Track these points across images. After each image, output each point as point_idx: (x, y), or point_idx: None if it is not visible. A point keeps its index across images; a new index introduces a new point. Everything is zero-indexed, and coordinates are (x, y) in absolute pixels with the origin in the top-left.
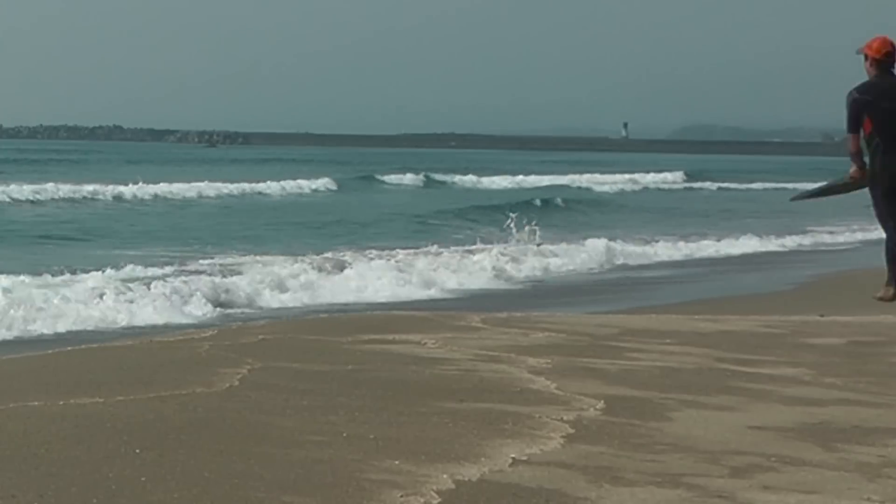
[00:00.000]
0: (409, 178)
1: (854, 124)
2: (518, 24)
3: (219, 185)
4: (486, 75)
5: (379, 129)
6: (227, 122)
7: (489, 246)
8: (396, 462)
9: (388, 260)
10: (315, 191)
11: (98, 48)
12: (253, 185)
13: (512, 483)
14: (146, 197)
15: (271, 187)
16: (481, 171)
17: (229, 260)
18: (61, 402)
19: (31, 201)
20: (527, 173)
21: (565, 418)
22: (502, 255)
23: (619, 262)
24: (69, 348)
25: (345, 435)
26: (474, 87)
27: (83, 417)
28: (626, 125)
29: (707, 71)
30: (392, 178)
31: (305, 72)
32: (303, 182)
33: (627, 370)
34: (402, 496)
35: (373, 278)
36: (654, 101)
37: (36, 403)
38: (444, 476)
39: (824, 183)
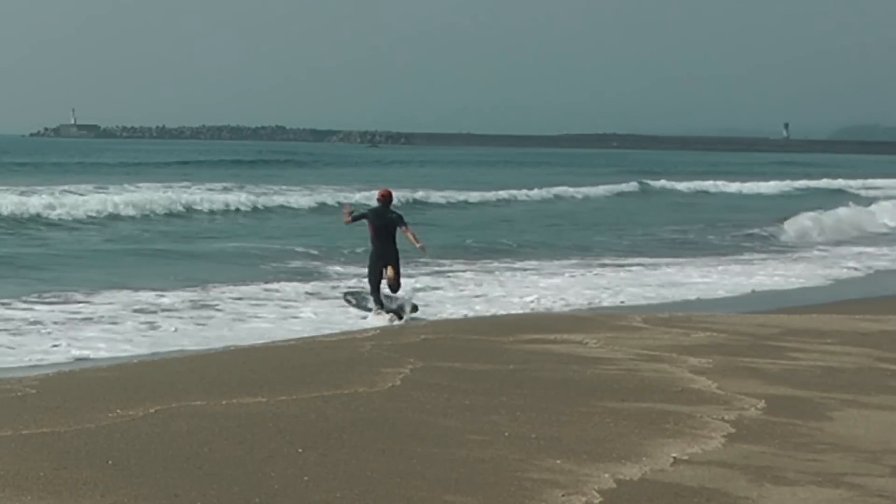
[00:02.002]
0: (689, 185)
1: (360, 219)
2: (679, 27)
3: (542, 191)
4: (647, 76)
5: (539, 130)
6: (388, 123)
7: None
8: (558, 461)
9: None
10: (621, 194)
11: (261, 50)
12: (565, 189)
13: (673, 482)
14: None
15: (583, 192)
16: (696, 175)
17: None
18: (224, 402)
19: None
20: (750, 176)
21: (726, 418)
22: None
23: None
24: (232, 348)
25: (506, 434)
26: (635, 87)
27: (245, 417)
28: (786, 125)
29: (868, 71)
30: (684, 186)
31: (464, 73)
32: (612, 187)
33: (788, 370)
34: (563, 495)
35: None
36: (814, 101)
37: (199, 403)
38: (606, 475)
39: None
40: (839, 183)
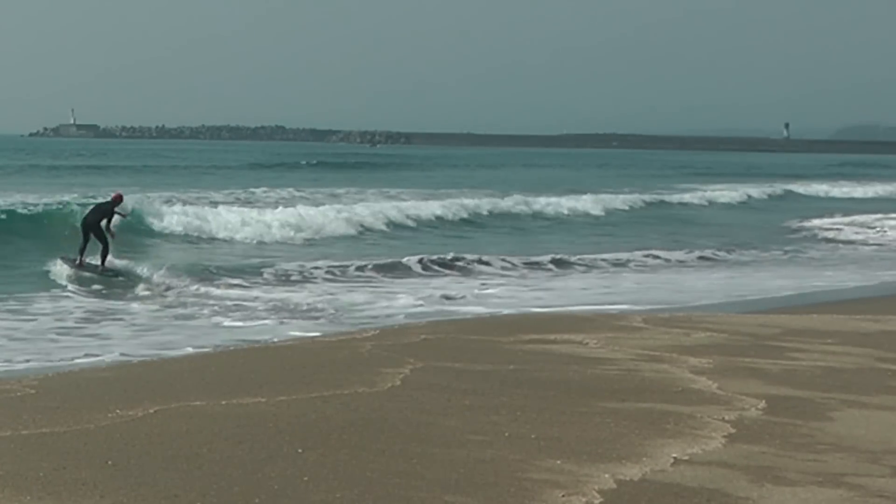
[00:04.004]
0: (822, 189)
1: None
2: (679, 27)
3: (694, 195)
4: (648, 77)
5: (539, 130)
6: (388, 123)
7: None
8: (558, 462)
9: None
10: (773, 197)
11: (260, 50)
12: (707, 193)
13: (673, 483)
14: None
15: (734, 197)
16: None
17: None
18: (224, 402)
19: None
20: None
21: (727, 418)
22: None
23: None
24: (231, 348)
25: (507, 435)
26: (634, 87)
27: (245, 417)
28: (787, 125)
29: (868, 71)
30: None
31: (464, 73)
32: (760, 189)
33: (789, 370)
34: (563, 496)
35: None
36: (815, 101)
37: (198, 403)
38: (606, 476)
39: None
40: None
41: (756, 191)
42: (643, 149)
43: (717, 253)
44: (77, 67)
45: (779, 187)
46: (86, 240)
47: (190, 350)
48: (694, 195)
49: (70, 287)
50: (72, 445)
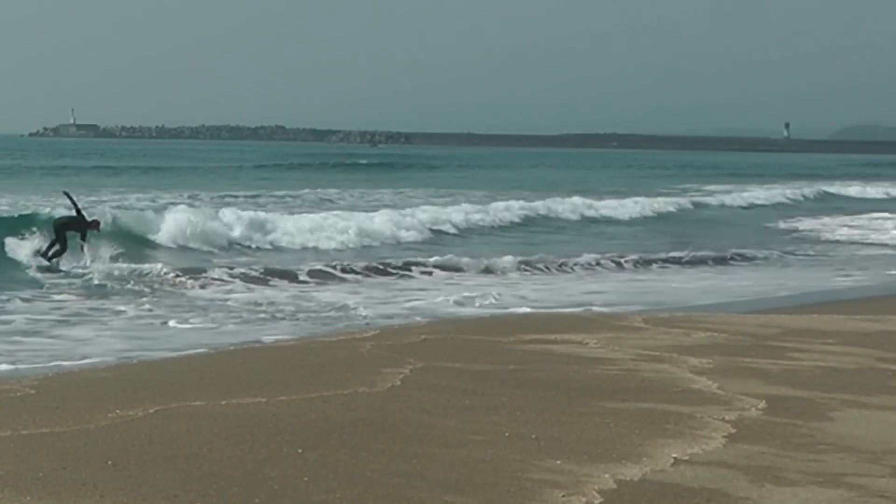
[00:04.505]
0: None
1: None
2: (679, 27)
3: (724, 197)
4: (648, 77)
5: (538, 130)
6: (388, 123)
7: None
8: (558, 462)
9: None
10: (811, 198)
11: (259, 50)
12: (745, 194)
13: (673, 483)
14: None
15: (770, 197)
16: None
17: None
18: (223, 402)
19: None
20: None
21: (727, 418)
22: None
23: None
24: (231, 348)
25: (507, 435)
26: (634, 87)
27: (245, 417)
28: (787, 125)
29: (868, 71)
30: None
31: (464, 73)
32: (790, 190)
33: (789, 370)
34: (563, 496)
35: None
36: (815, 101)
37: (198, 403)
38: (606, 476)
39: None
40: None
41: (793, 192)
42: (643, 149)
43: (738, 252)
44: (77, 67)
45: (816, 188)
46: (59, 240)
47: (190, 351)
48: (731, 196)
49: (46, 286)
50: (72, 445)
